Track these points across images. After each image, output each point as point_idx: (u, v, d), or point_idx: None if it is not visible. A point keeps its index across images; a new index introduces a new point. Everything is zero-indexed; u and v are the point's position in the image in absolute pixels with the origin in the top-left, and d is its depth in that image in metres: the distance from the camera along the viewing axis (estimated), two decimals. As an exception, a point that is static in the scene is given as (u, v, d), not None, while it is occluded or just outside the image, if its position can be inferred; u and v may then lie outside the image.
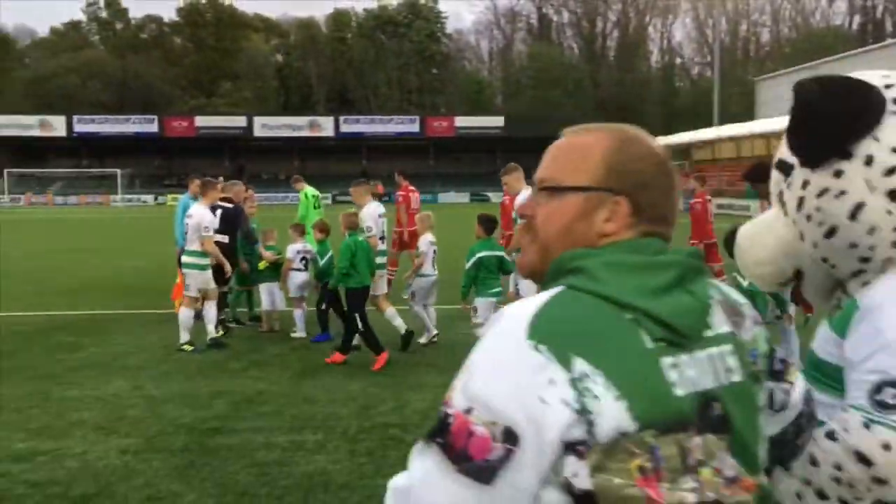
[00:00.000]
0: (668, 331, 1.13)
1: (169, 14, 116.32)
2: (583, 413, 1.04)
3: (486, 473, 1.05)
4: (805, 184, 1.66)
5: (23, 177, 69.22)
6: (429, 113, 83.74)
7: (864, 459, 1.40)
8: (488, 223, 7.95)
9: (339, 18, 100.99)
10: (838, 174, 1.60)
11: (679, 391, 1.12)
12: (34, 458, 5.05)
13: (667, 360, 1.12)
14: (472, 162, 76.28)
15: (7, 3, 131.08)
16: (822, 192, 1.63)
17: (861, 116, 1.58)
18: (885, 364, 1.44)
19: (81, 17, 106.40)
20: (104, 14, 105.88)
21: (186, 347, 8.24)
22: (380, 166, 70.24)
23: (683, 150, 65.56)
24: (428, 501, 1.08)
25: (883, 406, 1.43)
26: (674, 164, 1.29)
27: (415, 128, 76.38)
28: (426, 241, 8.68)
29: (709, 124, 52.71)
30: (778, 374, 1.37)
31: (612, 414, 1.06)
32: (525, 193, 8.15)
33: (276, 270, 9.37)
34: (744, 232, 1.89)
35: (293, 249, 9.18)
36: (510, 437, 1.05)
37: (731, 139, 49.39)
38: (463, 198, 66.56)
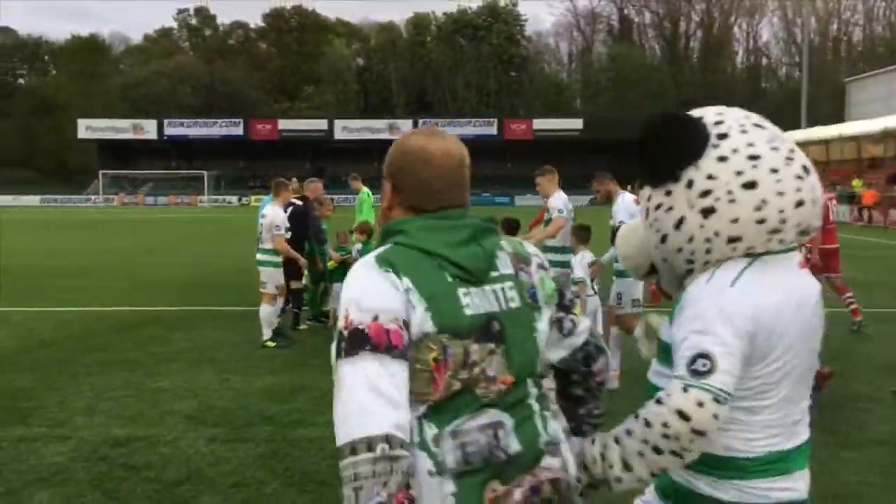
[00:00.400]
0: (462, 271, 1.68)
1: (255, 20, 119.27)
2: (406, 315, 1.61)
3: (406, 353, 1.58)
4: (649, 198, 2.12)
5: (116, 178, 72.22)
6: (507, 115, 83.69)
7: (684, 416, 1.78)
8: (508, 225, 8.14)
9: (419, 22, 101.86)
10: (668, 193, 2.05)
11: (468, 311, 1.66)
12: (130, 443, 5.37)
13: (461, 290, 1.67)
14: (551, 164, 75.75)
15: (104, 11, 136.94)
16: (658, 206, 2.08)
17: (688, 148, 2.01)
18: (697, 342, 1.86)
19: (173, 24, 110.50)
20: (194, 21, 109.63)
21: (269, 344, 8.55)
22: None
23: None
24: (384, 389, 1.54)
25: (696, 373, 1.82)
26: (458, 160, 1.82)
27: (492, 130, 76.49)
28: None
29: (796, 127, 51.01)
30: (567, 308, 1.89)
31: (421, 319, 1.61)
32: (558, 196, 8.01)
33: (346, 271, 9.61)
34: (621, 231, 2.42)
35: (356, 250, 9.53)
36: (406, 326, 1.59)
37: (820, 141, 47.75)
38: (540, 200, 66.20)
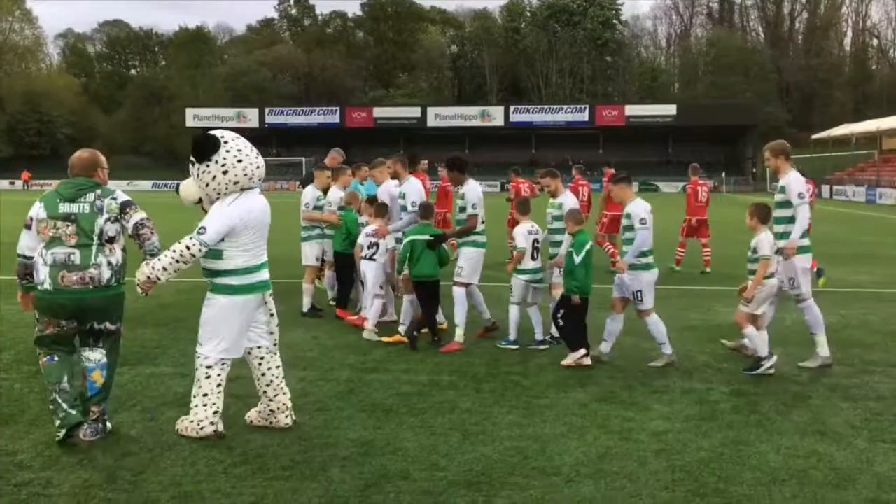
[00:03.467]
0: (60, 195, 5.02)
1: (353, 9, 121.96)
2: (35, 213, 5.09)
3: (31, 225, 5.24)
4: (199, 168, 5.09)
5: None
6: (600, 101, 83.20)
7: (188, 248, 5.03)
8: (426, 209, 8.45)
9: (513, 8, 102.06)
10: (208, 164, 5.07)
11: (61, 210, 4.97)
12: (237, 380, 6.55)
13: (63, 204, 5.01)
14: (642, 150, 75.18)
15: (209, 2, 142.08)
16: (205, 171, 5.06)
17: (214, 145, 5.04)
18: (207, 224, 5.09)
19: (274, 14, 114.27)
20: (294, 11, 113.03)
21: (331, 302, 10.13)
22: (549, 154, 70.95)
23: (871, 138, 61.35)
24: (22, 239, 5.19)
25: (198, 233, 5.07)
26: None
27: (584, 117, 76.30)
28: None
29: (904, 111, 49.16)
30: (124, 212, 5.10)
31: (37, 211, 5.03)
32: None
33: None
34: (184, 183, 5.41)
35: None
36: (34, 217, 5.19)
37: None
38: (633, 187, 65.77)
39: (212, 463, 4.76)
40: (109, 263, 5.00)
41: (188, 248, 4.92)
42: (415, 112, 79.69)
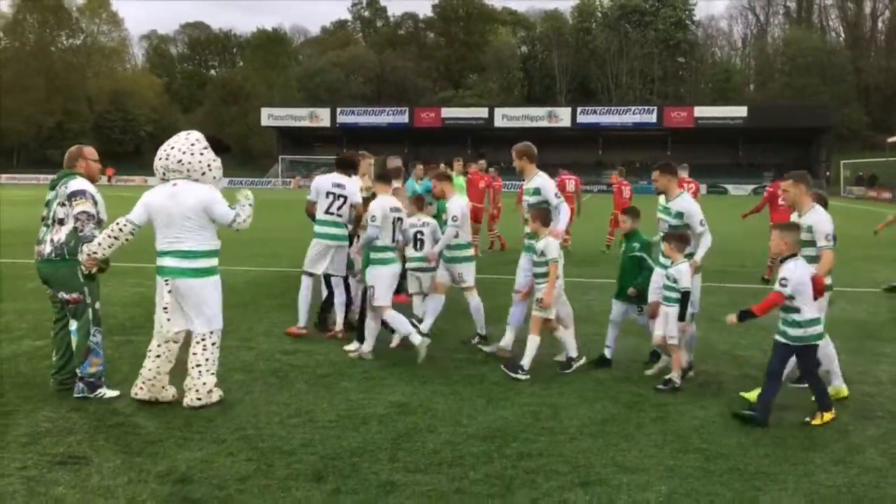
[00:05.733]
0: (51, 186, 6.02)
1: (424, 11, 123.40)
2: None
3: None
4: (210, 159, 5.92)
5: (293, 163, 77.90)
6: (671, 103, 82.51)
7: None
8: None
9: (585, 9, 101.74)
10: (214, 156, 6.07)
11: (47, 197, 5.98)
12: (295, 353, 7.45)
13: (49, 192, 5.98)
14: (711, 153, 74.28)
15: (286, 4, 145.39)
16: (214, 162, 5.95)
17: (221, 146, 6.16)
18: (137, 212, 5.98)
19: (347, 16, 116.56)
20: (366, 13, 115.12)
21: None
22: (615, 156, 70.81)
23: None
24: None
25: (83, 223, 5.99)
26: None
27: (652, 118, 75.82)
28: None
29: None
30: (70, 202, 5.83)
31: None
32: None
33: None
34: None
35: None
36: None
37: None
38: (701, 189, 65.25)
39: (270, 415, 5.62)
40: (52, 241, 5.87)
41: (117, 223, 5.67)
42: (482, 112, 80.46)
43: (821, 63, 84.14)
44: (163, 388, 5.86)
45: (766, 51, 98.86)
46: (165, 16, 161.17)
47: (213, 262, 5.85)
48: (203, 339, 5.82)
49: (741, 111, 75.09)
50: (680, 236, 6.64)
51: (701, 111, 75.54)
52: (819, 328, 5.58)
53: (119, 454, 4.81)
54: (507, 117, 78.90)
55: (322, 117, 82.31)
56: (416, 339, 7.04)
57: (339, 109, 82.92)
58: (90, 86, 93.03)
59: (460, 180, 13.96)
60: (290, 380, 6.55)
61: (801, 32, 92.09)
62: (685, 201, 6.84)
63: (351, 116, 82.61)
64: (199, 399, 5.76)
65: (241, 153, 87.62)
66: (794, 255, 5.61)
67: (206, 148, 5.83)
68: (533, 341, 6.74)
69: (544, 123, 77.62)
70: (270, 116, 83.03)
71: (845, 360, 6.77)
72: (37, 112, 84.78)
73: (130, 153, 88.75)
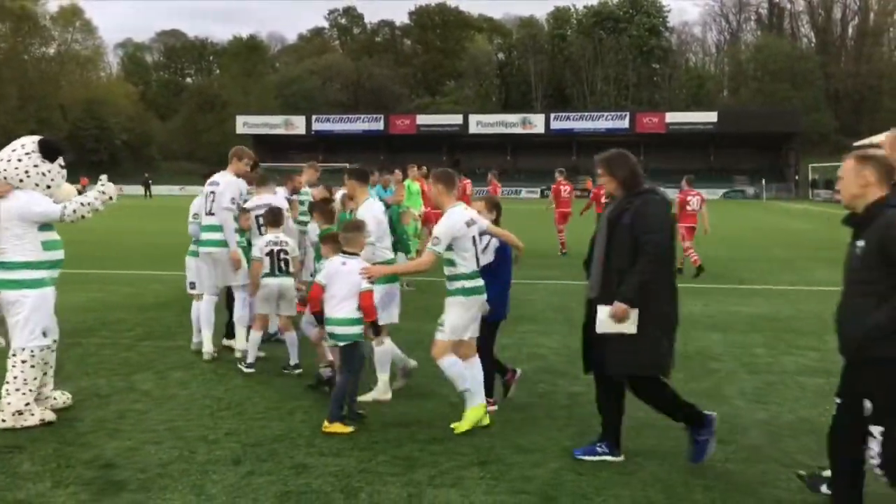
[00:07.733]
0: None
1: (401, 18, 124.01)
2: None
3: None
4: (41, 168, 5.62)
5: (269, 170, 77.71)
6: (644, 109, 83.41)
7: None
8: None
9: (560, 15, 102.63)
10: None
11: None
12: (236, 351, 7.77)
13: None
14: (683, 158, 75.10)
15: (262, 12, 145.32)
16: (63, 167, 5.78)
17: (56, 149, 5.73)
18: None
19: (324, 24, 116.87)
20: (343, 20, 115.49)
21: None
22: (589, 162, 71.35)
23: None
24: None
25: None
26: None
27: (624, 124, 76.63)
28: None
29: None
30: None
31: None
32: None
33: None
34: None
35: None
36: None
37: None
38: (672, 194, 65.99)
39: (202, 408, 5.95)
40: None
41: None
42: (457, 119, 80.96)
43: (791, 69, 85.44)
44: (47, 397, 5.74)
45: (738, 57, 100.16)
46: (141, 24, 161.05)
47: (35, 274, 5.45)
48: (14, 356, 5.46)
49: (711, 116, 76.06)
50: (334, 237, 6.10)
51: (672, 116, 76.44)
52: None
53: (52, 444, 5.12)
54: (481, 124, 79.46)
55: (297, 125, 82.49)
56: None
57: (314, 117, 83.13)
58: (64, 94, 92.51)
59: (416, 186, 14.30)
60: (229, 377, 6.88)
61: (772, 38, 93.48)
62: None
63: (326, 124, 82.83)
64: (3, 421, 5.38)
65: (219, 161, 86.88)
66: None
67: (27, 154, 5.52)
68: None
69: (518, 130, 78.27)
70: (245, 124, 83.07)
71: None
72: (9, 121, 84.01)
73: (105, 162, 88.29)
